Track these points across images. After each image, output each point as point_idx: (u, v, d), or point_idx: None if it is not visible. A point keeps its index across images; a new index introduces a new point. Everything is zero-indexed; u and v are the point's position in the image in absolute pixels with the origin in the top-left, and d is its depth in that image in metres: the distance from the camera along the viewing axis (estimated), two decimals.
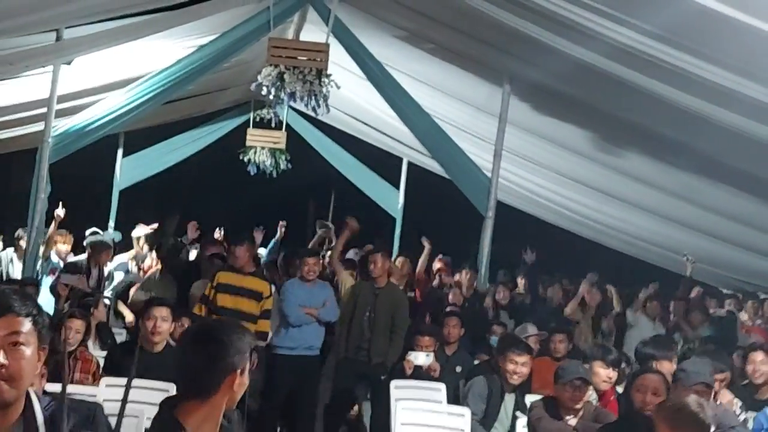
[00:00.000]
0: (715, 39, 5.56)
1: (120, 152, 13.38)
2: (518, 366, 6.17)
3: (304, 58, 8.65)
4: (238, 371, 2.70)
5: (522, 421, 5.49)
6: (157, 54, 9.26)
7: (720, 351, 6.49)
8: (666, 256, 11.72)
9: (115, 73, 9.43)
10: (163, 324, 5.75)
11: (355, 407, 7.89)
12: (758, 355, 6.50)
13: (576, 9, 6.05)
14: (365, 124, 12.96)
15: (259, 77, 8.61)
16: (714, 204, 9.90)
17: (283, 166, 13.22)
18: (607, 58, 6.66)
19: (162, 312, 5.78)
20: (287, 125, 13.70)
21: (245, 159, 13.10)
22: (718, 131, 7.11)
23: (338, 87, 8.75)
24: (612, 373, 5.95)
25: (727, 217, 10.12)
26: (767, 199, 9.11)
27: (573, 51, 6.78)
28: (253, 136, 13.17)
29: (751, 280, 12.41)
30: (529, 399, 5.91)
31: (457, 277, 9.88)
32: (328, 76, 8.66)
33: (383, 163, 14.47)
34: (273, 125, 13.60)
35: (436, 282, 10.06)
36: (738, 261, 11.28)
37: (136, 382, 5.06)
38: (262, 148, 13.08)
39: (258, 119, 13.69)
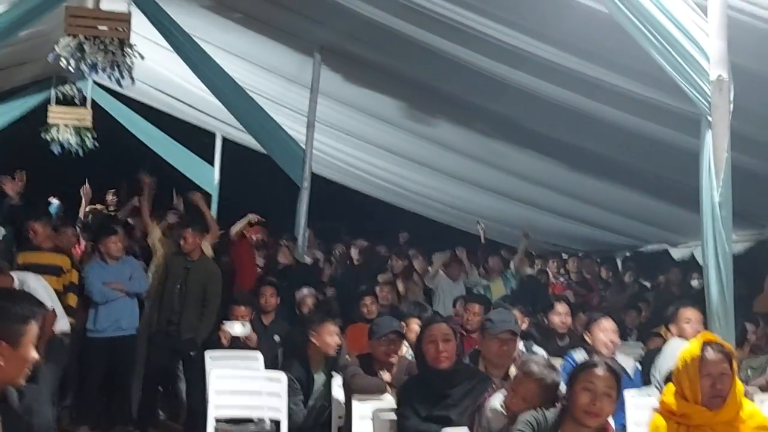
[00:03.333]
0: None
1: None
2: (334, 336, 5.87)
3: (105, 28, 8.29)
4: (4, 342, 2.51)
5: (338, 380, 5.52)
6: None
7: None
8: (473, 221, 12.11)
9: None
10: None
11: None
12: (561, 307, 6.90)
13: None
14: (176, 99, 12.63)
15: (56, 48, 8.19)
16: (518, 168, 10.35)
17: (89, 144, 12.66)
18: (402, 19, 6.82)
19: None
20: (93, 102, 13.15)
21: (48, 138, 12.46)
22: (515, 93, 7.43)
23: (142, 57, 8.46)
24: None
25: (531, 181, 10.60)
26: (567, 162, 9.62)
27: (373, 14, 6.88)
28: (55, 113, 12.52)
29: (555, 241, 13.10)
30: None
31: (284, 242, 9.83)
32: (131, 46, 8.35)
33: (197, 139, 14.20)
34: (77, 102, 13.02)
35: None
36: (541, 223, 11.86)
37: None
38: (66, 126, 12.47)
39: (61, 96, 13.05)
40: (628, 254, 13.02)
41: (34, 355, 2.59)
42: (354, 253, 10.39)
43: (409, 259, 10.21)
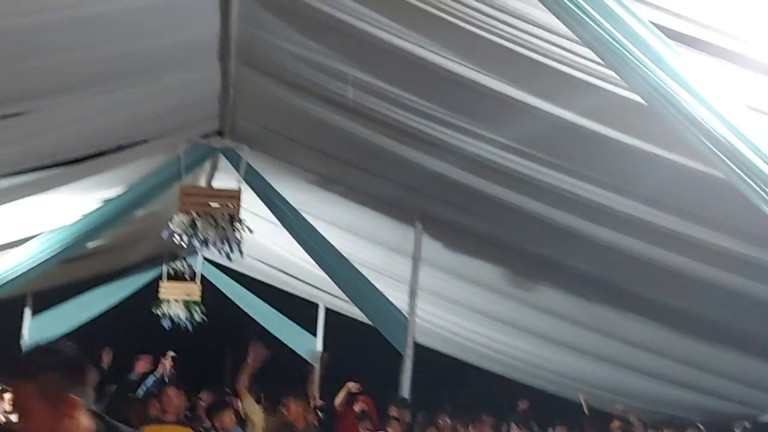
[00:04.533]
0: (592, 158, 5.81)
1: (28, 312, 13.02)
2: None
3: (216, 205, 8.70)
4: None
5: None
6: (63, 208, 9.11)
7: None
8: (590, 393, 11.71)
9: (18, 230, 9.20)
10: None
11: None
12: None
13: (480, 144, 6.30)
14: (281, 271, 12.94)
15: (170, 224, 8.59)
16: (625, 334, 10.04)
17: (198, 318, 13.03)
18: (500, 185, 6.93)
19: None
20: (202, 276, 13.61)
21: (159, 313, 12.89)
22: (616, 256, 7.34)
23: (251, 231, 8.78)
24: None
25: (639, 347, 10.25)
26: (675, 327, 9.31)
27: (471, 182, 7.01)
28: (166, 289, 13.01)
29: (666, 410, 12.49)
30: None
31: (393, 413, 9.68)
32: (240, 221, 8.71)
33: (300, 310, 14.41)
34: (187, 277, 13.51)
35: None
36: (651, 390, 11.38)
37: None
38: (176, 301, 12.90)
39: (172, 272, 13.57)
40: (747, 425, 12.27)
41: None
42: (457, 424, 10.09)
43: (531, 429, 9.87)
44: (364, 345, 11.65)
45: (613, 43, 3.36)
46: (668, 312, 8.80)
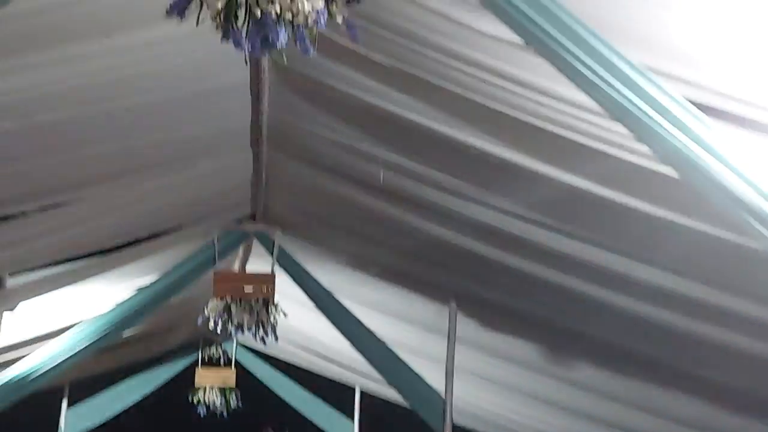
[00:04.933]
0: (624, 231, 5.79)
1: (65, 403, 13.03)
2: None
3: (250, 289, 8.75)
4: None
5: None
6: (98, 298, 9.19)
7: None
8: None
9: (54, 322, 9.27)
10: None
11: None
12: None
13: (511, 220, 6.31)
14: (315, 354, 12.88)
15: (205, 310, 8.65)
16: (671, 411, 9.79)
17: (233, 404, 12.98)
18: (532, 261, 6.92)
19: None
20: (236, 362, 13.59)
21: (194, 400, 12.84)
22: (654, 331, 7.22)
23: (285, 315, 8.79)
24: None
25: (688, 425, 10.00)
26: (721, 403, 9.07)
27: (510, 262, 7.00)
28: (202, 375, 13.00)
29: None
30: None
31: None
32: (275, 305, 8.74)
33: (335, 393, 14.28)
34: (222, 363, 13.49)
35: None
36: None
37: None
38: (212, 388, 12.87)
39: (207, 359, 13.58)
40: None
41: None
42: None
43: None
44: (402, 428, 11.51)
45: (639, 114, 3.39)
46: (710, 386, 8.58)
